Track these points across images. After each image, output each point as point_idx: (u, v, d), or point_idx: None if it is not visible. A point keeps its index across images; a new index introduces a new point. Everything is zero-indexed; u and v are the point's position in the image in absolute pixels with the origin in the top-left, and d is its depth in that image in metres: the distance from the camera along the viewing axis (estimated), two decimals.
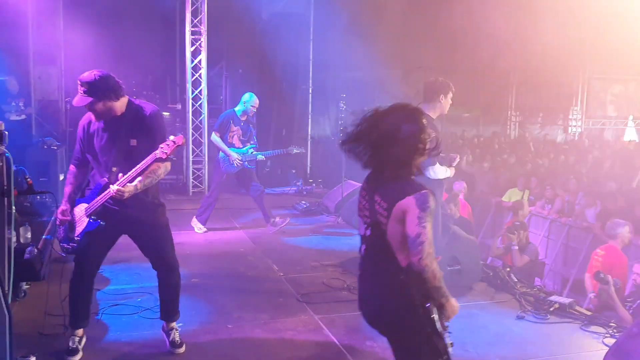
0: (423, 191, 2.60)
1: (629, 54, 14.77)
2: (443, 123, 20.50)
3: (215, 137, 7.76)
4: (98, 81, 3.76)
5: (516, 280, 5.87)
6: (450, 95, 5.38)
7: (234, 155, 7.70)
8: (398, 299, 2.67)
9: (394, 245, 2.66)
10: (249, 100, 7.76)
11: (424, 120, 2.74)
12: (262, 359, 4.34)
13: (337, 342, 4.55)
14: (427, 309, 2.62)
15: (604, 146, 16.32)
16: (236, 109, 7.84)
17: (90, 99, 3.76)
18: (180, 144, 3.81)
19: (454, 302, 2.70)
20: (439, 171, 5.26)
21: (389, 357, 4.23)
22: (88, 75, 3.78)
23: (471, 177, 11.46)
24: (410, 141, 2.68)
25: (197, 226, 7.87)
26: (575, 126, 18.47)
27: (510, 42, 14.07)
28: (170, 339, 4.28)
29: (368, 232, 2.77)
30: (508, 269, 6.13)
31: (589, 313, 5.25)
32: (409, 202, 2.58)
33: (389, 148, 2.68)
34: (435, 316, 2.63)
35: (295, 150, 8.35)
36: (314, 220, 8.74)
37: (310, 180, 11.95)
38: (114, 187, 3.75)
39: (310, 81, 12.58)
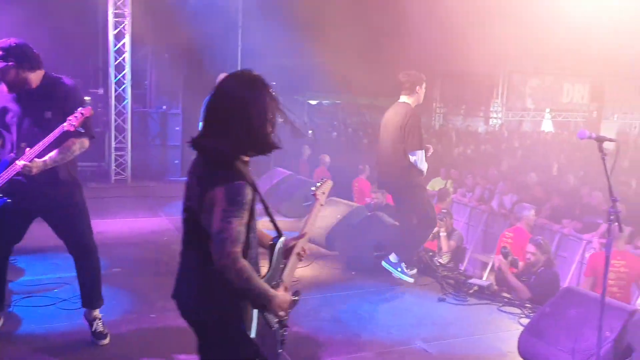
0: (236, 182, 2.24)
1: (546, 49, 15.54)
2: (371, 113, 20.99)
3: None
4: (14, 47, 3.59)
5: (438, 264, 6.05)
6: (424, 85, 5.67)
7: None
8: (205, 296, 2.37)
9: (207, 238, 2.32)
10: None
11: (269, 90, 2.34)
12: (187, 347, 4.22)
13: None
14: (237, 310, 2.33)
15: (523, 137, 17.11)
16: None
17: (3, 64, 3.56)
18: (88, 115, 3.65)
19: (281, 298, 2.37)
20: (423, 160, 5.50)
21: (315, 342, 4.31)
22: (3, 41, 3.61)
23: None
24: (243, 114, 2.29)
25: None
26: (495, 118, 19.23)
27: (436, 35, 14.44)
28: (93, 329, 4.07)
29: (184, 216, 2.46)
30: (431, 254, 6.31)
31: (506, 295, 5.49)
32: (218, 192, 2.23)
33: (217, 122, 2.32)
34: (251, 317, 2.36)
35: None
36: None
37: None
38: (20, 163, 3.54)
39: (239, 66, 12.41)
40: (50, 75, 3.81)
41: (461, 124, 20.63)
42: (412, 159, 5.46)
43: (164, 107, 11.70)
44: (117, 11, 10.15)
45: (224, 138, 2.29)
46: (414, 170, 5.51)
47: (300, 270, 5.91)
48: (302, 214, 7.80)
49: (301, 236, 2.71)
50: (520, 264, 6.15)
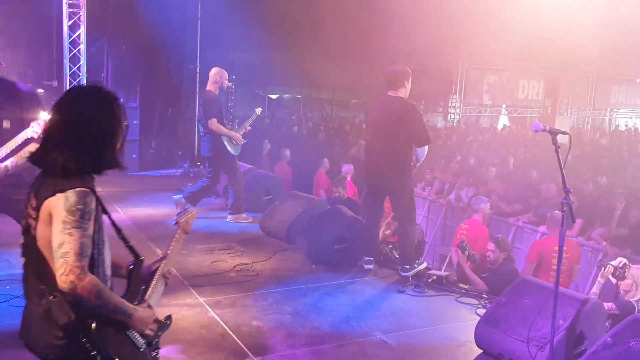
0: (77, 189, 2.06)
1: (503, 46, 15.86)
2: (333, 108, 21.04)
3: (217, 124, 7.21)
4: None
5: (398, 256, 6.11)
6: (410, 79, 5.59)
7: (237, 134, 7.44)
8: (55, 326, 2.11)
9: (48, 256, 2.10)
10: (223, 76, 7.36)
11: (117, 104, 2.30)
12: None
13: (222, 323, 4.49)
14: (91, 332, 2.11)
15: (482, 132, 17.42)
16: (210, 89, 7.33)
17: None
18: None
19: (141, 313, 2.25)
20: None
21: (276, 336, 4.30)
22: None
23: (360, 160, 11.77)
24: (93, 127, 2.18)
25: (242, 217, 7.60)
26: (454, 113, 19.52)
27: (397, 31, 14.57)
28: None
29: (21, 239, 2.20)
30: (390, 246, 6.37)
31: (464, 286, 5.59)
32: (57, 201, 2.04)
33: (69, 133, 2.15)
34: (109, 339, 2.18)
35: (259, 109, 8.33)
36: (202, 203, 8.54)
37: (198, 163, 11.69)
38: None
39: (198, 60, 12.25)
40: (6, 80, 3.83)
41: None
42: (421, 152, 5.49)
43: (121, 100, 11.45)
44: (71, 1, 9.87)
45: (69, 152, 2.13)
46: (409, 167, 5.53)
47: (261, 265, 5.90)
48: (262, 208, 7.76)
49: (164, 258, 2.59)
50: (478, 256, 6.27)
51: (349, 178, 8.86)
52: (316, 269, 5.87)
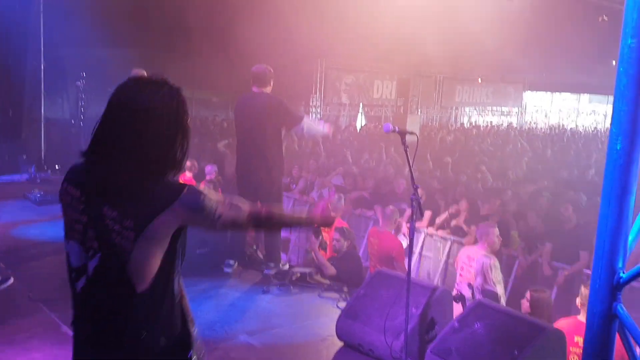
0: (188, 187, 1.98)
1: (359, 48, 16.54)
2: (192, 106, 20.47)
3: None
4: None
5: (262, 256, 6.13)
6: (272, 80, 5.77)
7: None
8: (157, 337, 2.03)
9: (136, 274, 1.95)
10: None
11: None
12: None
13: None
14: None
15: (341, 130, 17.99)
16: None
17: None
18: None
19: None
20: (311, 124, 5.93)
21: None
22: None
23: (223, 158, 11.61)
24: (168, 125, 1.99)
25: None
26: (315, 112, 20.00)
27: (258, 30, 14.59)
28: None
29: (95, 262, 1.99)
30: (254, 247, 6.37)
31: (326, 281, 5.74)
32: (180, 207, 1.94)
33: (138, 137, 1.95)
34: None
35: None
36: (52, 210, 7.94)
37: (45, 167, 10.83)
38: None
39: (42, 57, 11.34)
40: None
41: None
42: (307, 129, 5.68)
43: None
44: None
45: None
46: (280, 162, 5.72)
47: None
48: None
49: None
50: (327, 243, 6.68)
51: (209, 177, 8.71)
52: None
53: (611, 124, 1.37)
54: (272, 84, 5.74)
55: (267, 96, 5.68)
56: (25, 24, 10.95)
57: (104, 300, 2.02)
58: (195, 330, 2.19)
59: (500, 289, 5.83)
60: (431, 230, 8.29)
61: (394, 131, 3.58)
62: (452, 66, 22.22)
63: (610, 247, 1.33)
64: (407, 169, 3.70)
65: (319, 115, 20.02)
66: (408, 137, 3.74)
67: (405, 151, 3.62)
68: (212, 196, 2.03)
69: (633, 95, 1.32)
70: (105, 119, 2.00)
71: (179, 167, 2.04)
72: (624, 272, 1.35)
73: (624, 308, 1.37)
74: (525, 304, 4.80)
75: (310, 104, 19.88)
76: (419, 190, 3.73)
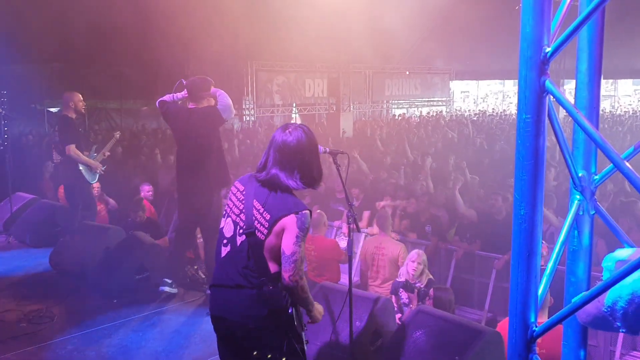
0: (304, 211, 2.71)
1: (288, 49, 16.58)
2: (122, 116, 19.96)
3: (75, 150, 6.76)
4: None
5: (204, 276, 6.07)
6: (212, 87, 5.54)
7: (95, 162, 7.08)
8: (264, 306, 2.76)
9: (267, 256, 2.74)
10: (75, 99, 6.91)
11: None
12: None
13: None
14: (290, 315, 2.81)
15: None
16: (66, 112, 6.87)
17: None
18: None
19: (318, 307, 3.05)
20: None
21: None
22: None
23: (154, 172, 11.37)
24: (308, 154, 2.81)
25: None
26: (248, 115, 19.89)
27: (185, 36, 14.38)
28: None
29: (240, 239, 2.77)
30: (196, 267, 6.30)
31: None
32: (290, 220, 2.68)
33: (297, 157, 2.76)
34: (296, 320, 2.86)
35: (117, 134, 8.37)
36: None
37: None
38: None
39: None
40: None
41: None
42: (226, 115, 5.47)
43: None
44: None
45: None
46: (219, 176, 5.54)
47: (56, 308, 5.43)
48: (50, 243, 7.14)
49: None
50: None
51: (144, 195, 8.49)
52: (118, 304, 5.57)
53: (514, 192, 1.47)
54: (207, 95, 5.47)
55: (203, 112, 5.42)
56: None
57: (239, 267, 2.80)
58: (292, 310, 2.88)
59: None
60: (371, 229, 8.44)
61: (325, 152, 3.63)
62: (379, 61, 22.63)
63: (522, 305, 1.43)
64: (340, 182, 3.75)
65: (252, 118, 19.93)
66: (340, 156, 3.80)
67: (338, 170, 3.68)
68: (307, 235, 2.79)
69: (531, 165, 1.43)
70: (268, 149, 2.87)
71: (313, 185, 2.86)
72: (536, 326, 1.45)
73: (539, 357, 1.48)
74: (428, 302, 4.99)
75: (243, 106, 19.75)
76: (355, 191, 3.81)
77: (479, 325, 3.95)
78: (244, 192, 2.85)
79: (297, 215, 2.69)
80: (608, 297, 1.36)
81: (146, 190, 8.48)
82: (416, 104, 26.91)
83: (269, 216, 2.72)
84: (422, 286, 5.48)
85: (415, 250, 5.81)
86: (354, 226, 3.78)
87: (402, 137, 14.49)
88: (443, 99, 27.38)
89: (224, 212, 2.93)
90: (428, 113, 25.96)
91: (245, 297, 2.78)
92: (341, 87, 18.71)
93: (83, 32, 13.52)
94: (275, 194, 2.77)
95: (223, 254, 2.88)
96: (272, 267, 2.77)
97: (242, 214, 2.80)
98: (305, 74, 20.43)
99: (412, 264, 5.53)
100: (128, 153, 13.44)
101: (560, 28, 1.55)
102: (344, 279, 6.19)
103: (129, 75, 18.21)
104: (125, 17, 13.73)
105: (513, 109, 30.87)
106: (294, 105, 20.94)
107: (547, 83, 1.43)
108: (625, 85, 38.62)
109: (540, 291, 1.46)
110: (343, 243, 7.73)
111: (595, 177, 1.62)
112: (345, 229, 8.34)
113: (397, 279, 5.70)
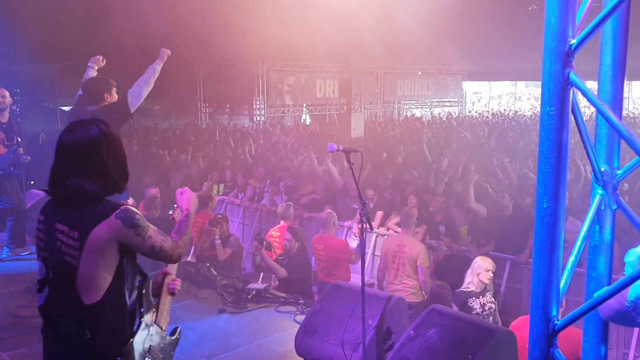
0: (121, 208, 2.36)
1: (298, 49, 16.58)
2: (135, 116, 19.93)
3: None
4: None
5: (216, 274, 6.09)
6: (114, 90, 5.06)
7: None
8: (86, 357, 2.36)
9: (82, 284, 2.32)
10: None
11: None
12: None
13: None
14: None
15: (288, 132, 17.98)
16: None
17: None
18: None
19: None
20: None
21: None
22: None
23: (166, 171, 11.42)
24: (100, 153, 2.40)
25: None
26: (259, 115, 19.90)
27: (196, 36, 14.42)
28: None
29: (52, 275, 2.37)
30: (208, 264, 6.32)
31: (282, 295, 5.75)
32: (113, 227, 2.31)
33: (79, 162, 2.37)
34: None
35: None
36: None
37: None
38: None
39: None
40: None
41: (228, 122, 20.96)
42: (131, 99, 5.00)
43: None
44: None
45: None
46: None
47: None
48: None
49: (165, 271, 2.79)
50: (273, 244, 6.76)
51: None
52: None
53: (537, 185, 1.45)
54: (107, 96, 4.95)
55: (104, 111, 4.76)
56: None
57: (58, 313, 2.39)
58: (141, 337, 2.52)
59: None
60: (382, 230, 8.41)
61: (338, 150, 3.63)
62: (392, 61, 22.55)
63: (544, 298, 1.42)
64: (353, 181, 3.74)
65: (263, 118, 19.94)
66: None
67: (351, 168, 3.68)
68: (146, 221, 2.43)
69: (554, 158, 1.41)
70: (56, 159, 2.43)
71: (121, 186, 2.46)
72: (558, 320, 1.44)
73: (560, 352, 1.47)
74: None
75: (254, 107, 19.77)
76: (370, 192, 3.80)
77: (492, 324, 3.93)
78: (44, 221, 2.42)
79: (116, 218, 2.33)
80: (631, 292, 1.34)
81: (153, 192, 8.52)
82: (428, 104, 26.79)
83: (77, 234, 2.31)
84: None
85: (482, 258, 5.71)
86: (367, 225, 3.78)
87: (418, 138, 14.46)
88: (455, 99, 27.25)
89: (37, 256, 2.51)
90: (439, 114, 25.86)
91: (70, 347, 2.38)
92: (352, 88, 18.66)
93: (95, 31, 13.59)
94: (79, 207, 2.35)
95: (40, 301, 2.46)
96: (91, 297, 2.33)
97: (48, 246, 2.40)
98: (316, 74, 20.40)
99: (486, 273, 5.47)
100: (141, 152, 13.51)
101: (584, 22, 1.53)
102: (354, 280, 6.20)
103: (139, 74, 18.23)
104: (138, 15, 13.78)
105: (525, 109, 30.75)
106: (305, 105, 20.92)
107: (572, 75, 1.41)
108: None
109: (561, 285, 1.44)
110: (353, 243, 7.72)
111: (618, 171, 1.61)
112: (355, 229, 8.34)
113: (462, 289, 5.57)
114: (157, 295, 2.69)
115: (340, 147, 3.63)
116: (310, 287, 6.54)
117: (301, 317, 4.99)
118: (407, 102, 25.97)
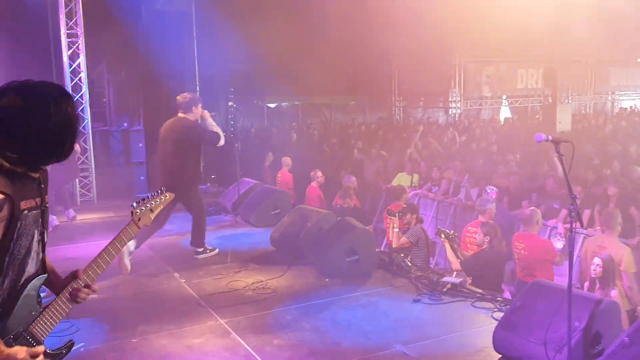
0: None
1: (498, 37, 15.89)
2: (332, 111, 21.02)
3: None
4: None
5: (410, 264, 6.17)
6: (200, 105, 6.70)
7: None
8: None
9: None
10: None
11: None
12: None
13: (245, 345, 4.57)
14: None
15: (485, 125, 17.41)
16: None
17: None
18: None
19: (7, 355, 2.00)
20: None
21: (298, 354, 4.38)
22: None
23: (360, 164, 11.80)
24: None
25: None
26: (455, 108, 19.51)
27: (393, 31, 14.61)
28: None
29: None
30: (402, 255, 6.42)
31: (479, 290, 5.62)
32: None
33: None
34: None
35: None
36: (212, 221, 8.62)
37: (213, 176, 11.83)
38: None
39: (197, 78, 12.34)
40: None
41: (422, 116, 20.90)
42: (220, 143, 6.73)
43: (125, 124, 11.59)
44: (69, 31, 10.00)
45: None
46: (191, 176, 6.66)
47: (275, 281, 5.98)
48: (271, 223, 7.88)
49: (76, 274, 2.28)
50: (457, 236, 6.67)
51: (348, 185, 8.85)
52: (330, 283, 5.94)
53: None
54: (195, 110, 6.61)
55: (186, 121, 6.59)
56: (181, 49, 11.99)
57: None
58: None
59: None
60: (590, 231, 7.75)
61: (547, 140, 3.45)
62: (604, 48, 20.47)
63: None
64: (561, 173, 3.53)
65: (459, 111, 19.49)
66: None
67: (561, 160, 3.47)
68: None
69: None
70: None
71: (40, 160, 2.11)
72: None
73: None
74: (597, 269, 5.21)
75: (450, 99, 19.43)
76: (577, 189, 3.56)
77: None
78: None
79: None
80: None
81: (349, 181, 8.88)
82: None
83: None
84: None
85: None
86: (577, 223, 3.54)
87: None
88: None
89: None
90: None
91: None
92: (558, 78, 17.35)
93: (291, 30, 14.46)
94: None
95: None
96: None
97: None
98: (518, 64, 19.36)
99: None
100: (338, 146, 14.12)
101: None
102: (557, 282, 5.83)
103: (338, 70, 18.97)
104: (335, 12, 14.38)
105: None
106: (504, 97, 20.02)
107: None
108: None
109: None
110: (558, 244, 7.22)
111: None
112: (561, 229, 7.80)
113: None
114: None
115: (550, 137, 3.45)
116: (499, 285, 6.26)
117: (499, 315, 4.84)
118: (623, 92, 23.38)
